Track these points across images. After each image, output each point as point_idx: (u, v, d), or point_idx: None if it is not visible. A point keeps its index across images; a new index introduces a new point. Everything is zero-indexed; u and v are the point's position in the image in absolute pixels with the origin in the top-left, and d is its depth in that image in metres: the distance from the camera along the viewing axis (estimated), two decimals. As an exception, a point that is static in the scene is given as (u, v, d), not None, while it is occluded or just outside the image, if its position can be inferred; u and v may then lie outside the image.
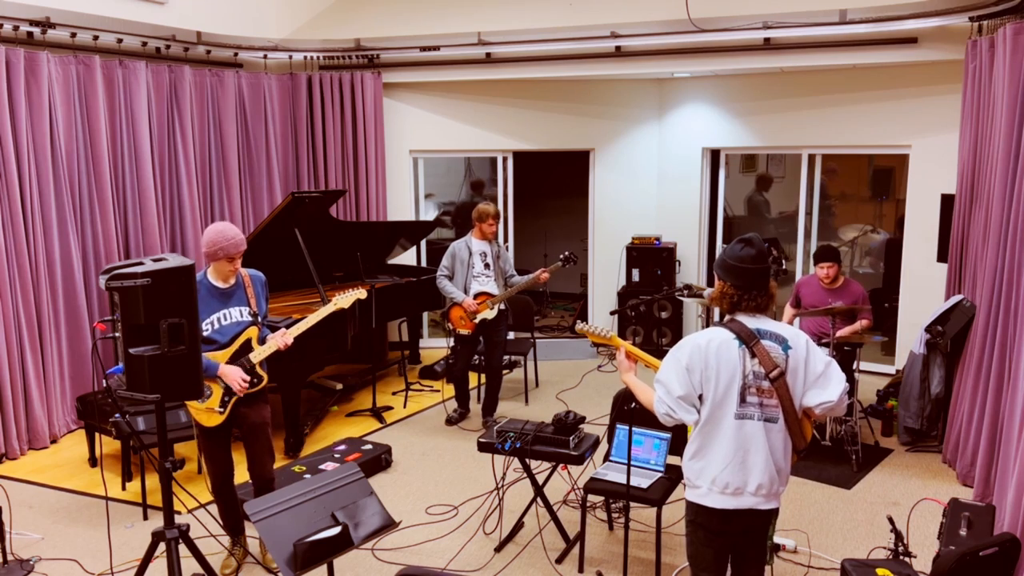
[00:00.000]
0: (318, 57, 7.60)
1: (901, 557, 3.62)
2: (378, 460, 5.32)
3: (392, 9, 7.65)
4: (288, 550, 2.91)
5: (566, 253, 5.97)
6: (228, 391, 3.92)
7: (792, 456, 2.92)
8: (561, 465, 4.46)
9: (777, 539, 4.20)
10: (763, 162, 9.33)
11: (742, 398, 2.80)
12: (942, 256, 5.99)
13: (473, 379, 6.79)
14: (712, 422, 2.83)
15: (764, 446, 2.81)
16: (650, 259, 8.00)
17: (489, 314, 5.98)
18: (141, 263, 3.11)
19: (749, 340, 2.80)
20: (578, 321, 3.60)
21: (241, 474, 4.32)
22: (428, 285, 7.05)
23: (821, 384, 2.83)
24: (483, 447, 4.31)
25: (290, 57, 7.52)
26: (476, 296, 5.98)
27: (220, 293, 3.92)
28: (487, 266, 6.02)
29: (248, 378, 3.91)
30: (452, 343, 6.21)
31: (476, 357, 6.30)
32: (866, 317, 5.65)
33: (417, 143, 8.07)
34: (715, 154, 8.26)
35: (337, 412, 6.56)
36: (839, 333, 5.43)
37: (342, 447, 5.40)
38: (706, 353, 2.80)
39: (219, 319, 3.91)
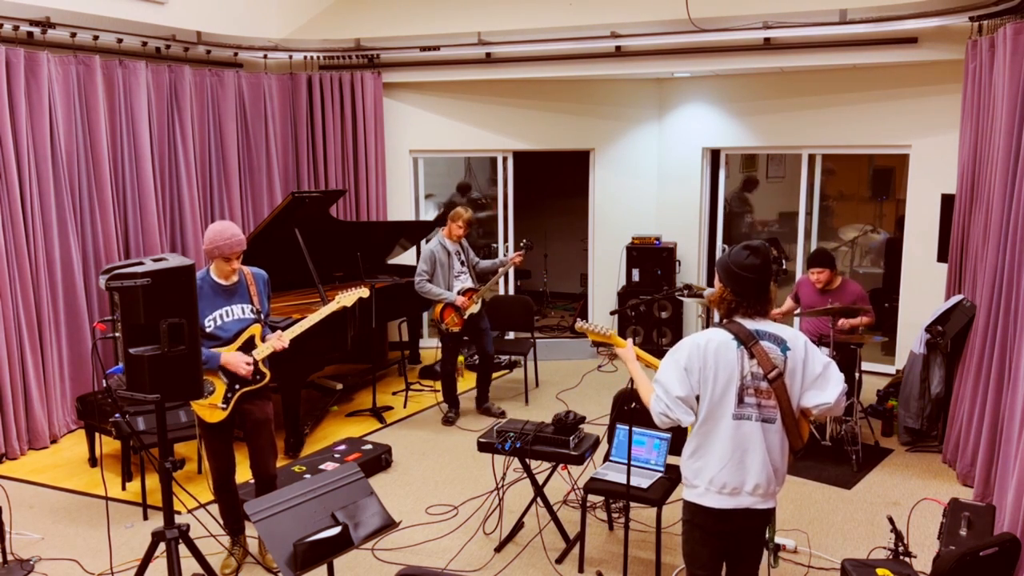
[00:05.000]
0: (318, 57, 7.60)
1: (901, 557, 3.62)
2: (378, 460, 5.32)
3: (392, 9, 7.64)
4: (288, 550, 2.91)
5: (524, 240, 6.54)
6: (231, 387, 3.93)
7: (789, 456, 2.92)
8: (561, 465, 4.47)
9: (777, 539, 4.20)
10: (763, 162, 9.33)
11: (740, 399, 2.80)
12: (942, 256, 5.99)
13: (465, 382, 6.98)
14: (710, 422, 2.83)
15: (762, 446, 2.81)
16: (650, 259, 8.00)
17: (475, 309, 6.19)
18: (141, 263, 3.11)
19: (748, 341, 2.80)
20: (578, 319, 3.60)
21: (243, 474, 4.32)
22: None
23: (819, 385, 2.83)
24: (483, 447, 4.31)
25: (290, 57, 7.52)
26: (463, 293, 6.14)
27: (223, 291, 3.93)
28: (463, 263, 6.24)
29: (251, 360, 3.93)
30: (441, 344, 6.33)
31: (468, 353, 6.42)
32: (866, 316, 5.64)
33: (417, 143, 8.07)
34: (715, 154, 8.26)
35: (337, 412, 6.56)
36: (840, 322, 5.41)
37: (342, 447, 5.40)
38: (704, 353, 2.80)
39: (221, 316, 3.91)
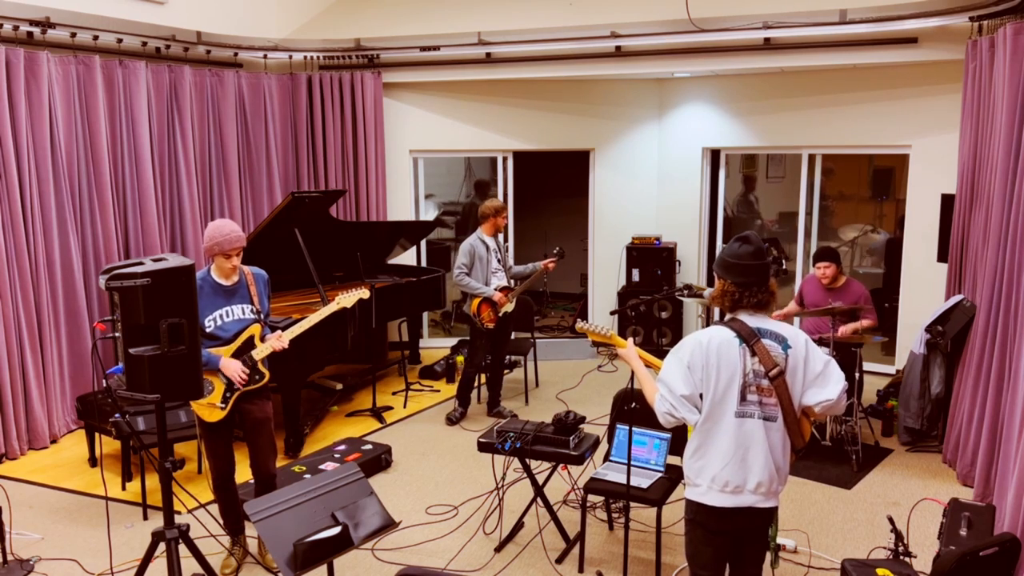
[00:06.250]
0: (318, 57, 7.60)
1: (901, 557, 3.62)
2: (378, 460, 5.32)
3: (392, 9, 7.65)
4: (288, 550, 2.91)
5: (558, 248, 6.20)
6: (230, 386, 3.93)
7: (790, 455, 2.93)
8: (561, 465, 4.46)
9: (778, 539, 4.20)
10: (763, 162, 9.33)
11: (742, 396, 2.80)
12: (942, 256, 5.99)
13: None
14: (712, 420, 2.83)
15: (764, 444, 2.82)
16: (650, 259, 8.00)
17: (509, 307, 6.14)
18: (141, 263, 3.11)
19: (749, 339, 2.80)
20: (578, 320, 3.60)
21: (243, 473, 4.32)
22: (428, 285, 7.06)
23: (820, 383, 2.84)
24: (483, 447, 4.31)
25: (290, 57, 7.52)
26: (499, 291, 6.09)
27: (223, 290, 3.93)
28: (499, 261, 6.18)
29: (247, 371, 3.93)
30: (471, 339, 6.22)
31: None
32: (868, 317, 5.64)
33: (417, 143, 8.08)
34: (715, 154, 8.26)
35: (337, 412, 6.56)
36: (840, 330, 5.42)
37: (342, 447, 5.40)
38: (707, 351, 2.80)
39: (222, 316, 3.92)
